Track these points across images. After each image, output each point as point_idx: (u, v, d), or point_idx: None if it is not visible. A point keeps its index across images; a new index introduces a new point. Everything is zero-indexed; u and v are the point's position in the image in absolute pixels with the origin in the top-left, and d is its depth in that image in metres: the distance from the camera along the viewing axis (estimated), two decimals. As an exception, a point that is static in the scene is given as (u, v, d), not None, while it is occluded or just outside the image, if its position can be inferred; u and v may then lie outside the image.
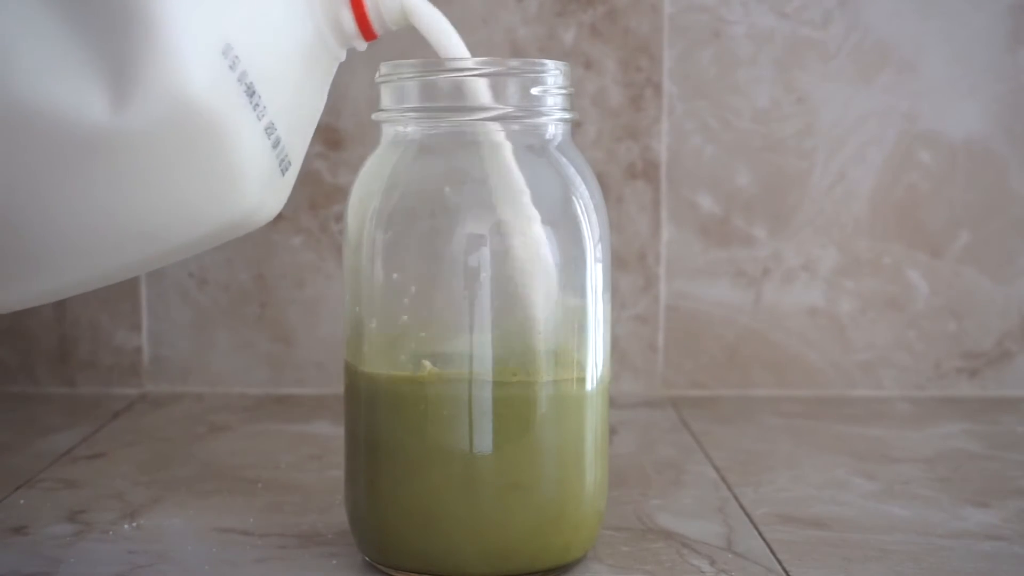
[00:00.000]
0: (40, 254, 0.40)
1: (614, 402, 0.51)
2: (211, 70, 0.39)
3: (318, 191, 0.82)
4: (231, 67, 0.39)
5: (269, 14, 0.41)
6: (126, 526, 0.53)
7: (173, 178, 0.40)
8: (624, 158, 0.82)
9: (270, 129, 0.41)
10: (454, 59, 0.45)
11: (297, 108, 0.43)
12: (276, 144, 0.41)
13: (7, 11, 0.38)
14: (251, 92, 0.40)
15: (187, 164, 0.39)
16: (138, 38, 0.38)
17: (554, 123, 0.47)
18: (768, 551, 0.50)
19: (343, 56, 0.45)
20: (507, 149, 0.45)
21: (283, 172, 0.43)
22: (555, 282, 0.45)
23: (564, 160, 0.47)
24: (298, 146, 0.44)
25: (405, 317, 0.45)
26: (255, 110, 0.40)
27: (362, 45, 0.45)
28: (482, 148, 0.45)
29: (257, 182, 0.41)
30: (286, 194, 0.44)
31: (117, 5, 0.38)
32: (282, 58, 0.42)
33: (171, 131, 0.39)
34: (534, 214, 0.44)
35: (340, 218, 0.82)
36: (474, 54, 0.46)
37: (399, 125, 0.47)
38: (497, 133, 0.45)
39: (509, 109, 0.45)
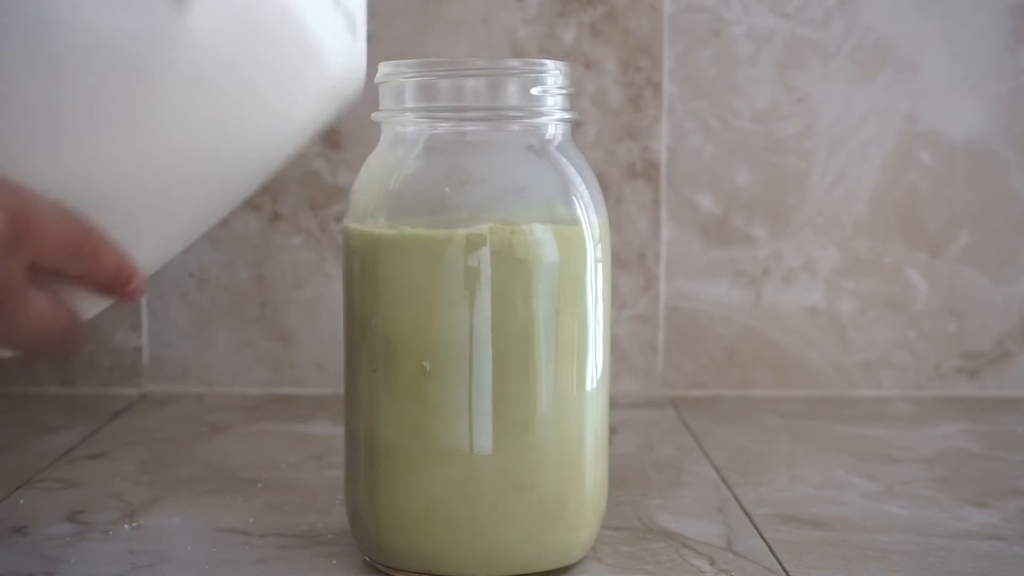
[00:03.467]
0: (140, 194, 0.37)
1: (614, 402, 0.51)
2: None
3: (318, 191, 0.82)
4: None
5: None
6: (126, 526, 0.53)
7: (249, 73, 0.37)
8: (624, 158, 0.82)
9: None
10: (454, 59, 0.45)
11: None
12: (337, 3, 0.40)
13: None
14: None
15: (263, 52, 0.37)
16: None
17: (554, 123, 0.47)
18: (768, 551, 0.50)
19: None
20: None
21: (351, 31, 0.41)
22: (555, 281, 0.45)
23: (564, 160, 0.47)
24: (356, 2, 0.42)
25: (405, 317, 0.45)
26: None
27: None
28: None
29: (333, 46, 0.39)
30: (363, 56, 0.42)
31: None
32: None
33: (240, 18, 0.37)
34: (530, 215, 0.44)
35: (340, 218, 0.82)
36: (474, 54, 0.46)
37: (399, 125, 0.47)
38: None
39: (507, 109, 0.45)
